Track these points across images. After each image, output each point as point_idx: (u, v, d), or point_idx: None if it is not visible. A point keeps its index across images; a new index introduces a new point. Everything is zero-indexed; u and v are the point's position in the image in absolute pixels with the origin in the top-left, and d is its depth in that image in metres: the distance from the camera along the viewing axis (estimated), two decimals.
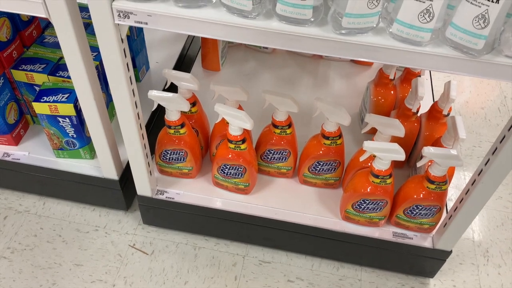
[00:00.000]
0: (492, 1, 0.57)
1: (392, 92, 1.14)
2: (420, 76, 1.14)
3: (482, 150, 1.41)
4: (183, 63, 1.44)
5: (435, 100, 1.30)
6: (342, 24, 0.64)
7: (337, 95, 1.34)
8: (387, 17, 0.66)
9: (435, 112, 1.03)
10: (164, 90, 0.95)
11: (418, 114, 1.06)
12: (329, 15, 0.66)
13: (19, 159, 1.09)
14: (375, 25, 0.65)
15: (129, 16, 0.69)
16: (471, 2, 0.58)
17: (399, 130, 0.91)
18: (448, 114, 1.03)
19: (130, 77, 0.80)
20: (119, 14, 0.69)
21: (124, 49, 0.76)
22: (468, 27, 0.61)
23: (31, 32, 1.09)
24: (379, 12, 0.64)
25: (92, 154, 1.09)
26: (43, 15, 0.74)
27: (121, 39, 0.74)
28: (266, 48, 1.42)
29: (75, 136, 1.03)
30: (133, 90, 0.83)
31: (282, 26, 0.66)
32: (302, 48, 0.68)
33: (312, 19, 0.66)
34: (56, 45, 1.09)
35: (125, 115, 0.86)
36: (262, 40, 0.68)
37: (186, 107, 0.93)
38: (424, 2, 0.60)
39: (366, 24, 0.65)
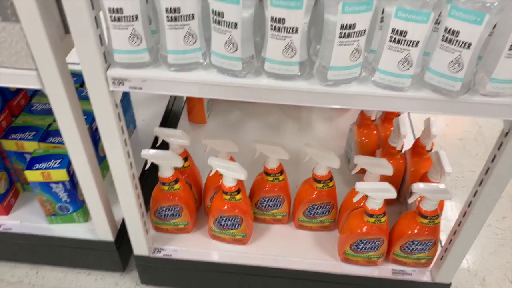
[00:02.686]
0: (464, 48, 0.62)
1: (374, 132, 1.19)
2: (399, 115, 1.19)
3: (465, 180, 1.45)
4: (169, 118, 1.47)
5: (415, 135, 1.35)
6: (327, 76, 0.68)
7: (321, 138, 1.38)
8: (369, 67, 0.71)
9: (418, 148, 1.07)
10: (155, 147, 0.97)
11: (402, 151, 1.10)
12: (315, 68, 0.70)
13: (10, 229, 1.07)
14: (358, 75, 0.70)
15: (123, 83, 0.72)
16: (445, 49, 0.63)
17: (388, 169, 0.95)
18: (431, 149, 1.07)
19: (125, 140, 0.82)
20: (114, 81, 0.72)
21: (118, 114, 0.78)
22: (444, 71, 0.65)
23: (19, 101, 1.11)
24: (361, 63, 0.68)
25: (86, 217, 1.08)
26: (38, 87, 0.76)
27: (116, 104, 0.76)
28: None
29: (68, 200, 1.03)
30: (128, 152, 0.84)
31: (271, 82, 0.70)
32: (292, 101, 0.72)
33: (299, 74, 0.70)
34: (45, 112, 1.10)
35: (121, 176, 0.87)
36: (253, 97, 0.72)
37: (180, 163, 0.95)
38: (402, 52, 0.64)
39: (350, 75, 0.69)
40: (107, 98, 0.74)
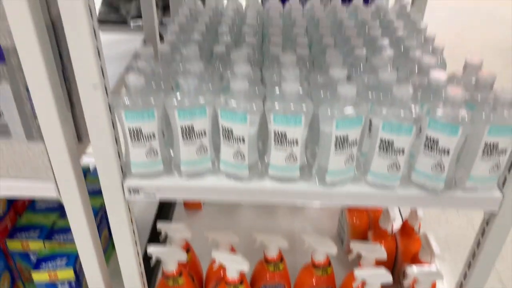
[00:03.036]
0: (444, 154, 0.71)
1: (364, 213, 1.26)
2: None
3: (451, 252, 1.51)
4: (165, 205, 1.51)
5: (401, 214, 1.43)
6: (326, 179, 0.76)
7: (313, 218, 1.44)
8: (361, 167, 0.79)
9: (407, 229, 1.14)
10: (153, 235, 1.01)
11: (392, 232, 1.17)
12: (314, 170, 0.78)
13: None
14: (352, 176, 0.78)
15: (138, 192, 0.78)
16: (427, 155, 0.72)
17: (382, 254, 1.01)
18: (419, 228, 1.14)
19: (135, 241, 0.86)
20: (130, 191, 0.77)
21: (131, 218, 0.83)
22: (428, 172, 0.74)
23: (24, 201, 1.14)
24: (354, 166, 0.77)
25: None
26: (54, 196, 0.81)
27: (130, 210, 0.81)
28: None
29: None
30: (138, 252, 0.88)
31: (275, 186, 0.77)
32: (293, 200, 0.79)
33: (300, 176, 0.77)
34: (48, 210, 1.14)
35: (131, 274, 0.90)
36: (258, 198, 0.79)
37: (184, 257, 0.98)
38: (390, 158, 0.73)
39: (346, 177, 0.77)
40: (123, 206, 0.79)
